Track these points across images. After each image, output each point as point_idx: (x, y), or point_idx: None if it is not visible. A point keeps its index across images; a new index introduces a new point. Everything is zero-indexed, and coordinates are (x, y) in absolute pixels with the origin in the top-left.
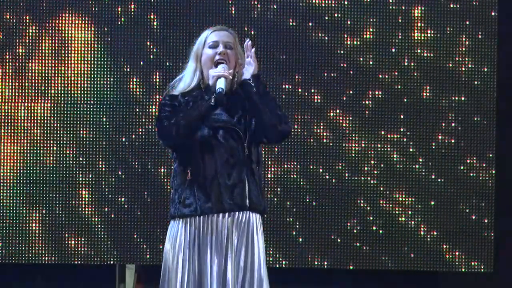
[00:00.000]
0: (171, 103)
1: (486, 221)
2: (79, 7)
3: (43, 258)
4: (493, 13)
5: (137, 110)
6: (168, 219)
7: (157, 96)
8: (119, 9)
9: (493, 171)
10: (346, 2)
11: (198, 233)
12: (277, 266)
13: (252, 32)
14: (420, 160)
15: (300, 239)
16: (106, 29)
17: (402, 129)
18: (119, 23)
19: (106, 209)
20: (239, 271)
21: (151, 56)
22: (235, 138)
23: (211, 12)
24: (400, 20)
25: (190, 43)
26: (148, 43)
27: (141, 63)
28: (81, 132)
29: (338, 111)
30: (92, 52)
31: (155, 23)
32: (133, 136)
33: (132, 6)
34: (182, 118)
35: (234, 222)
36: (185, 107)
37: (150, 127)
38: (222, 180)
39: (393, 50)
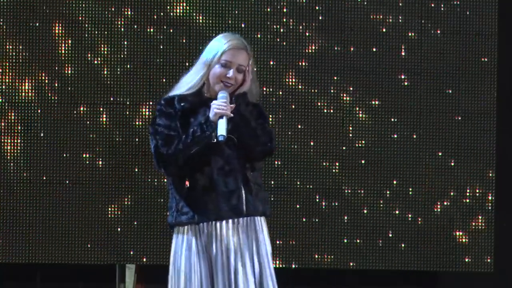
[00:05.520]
0: (166, 111)
1: (486, 221)
2: None
3: (43, 258)
4: (493, 13)
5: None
6: (166, 224)
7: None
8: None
9: (493, 171)
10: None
11: (201, 242)
12: (279, 266)
13: (259, 35)
14: (420, 160)
15: (301, 239)
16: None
17: (402, 129)
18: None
19: (106, 209)
20: (252, 269)
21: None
22: (230, 146)
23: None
24: (400, 20)
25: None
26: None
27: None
28: (81, 131)
29: (338, 111)
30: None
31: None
32: (136, 139)
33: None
34: (181, 151)
35: (235, 228)
36: (184, 137)
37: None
38: (219, 187)
39: (393, 50)
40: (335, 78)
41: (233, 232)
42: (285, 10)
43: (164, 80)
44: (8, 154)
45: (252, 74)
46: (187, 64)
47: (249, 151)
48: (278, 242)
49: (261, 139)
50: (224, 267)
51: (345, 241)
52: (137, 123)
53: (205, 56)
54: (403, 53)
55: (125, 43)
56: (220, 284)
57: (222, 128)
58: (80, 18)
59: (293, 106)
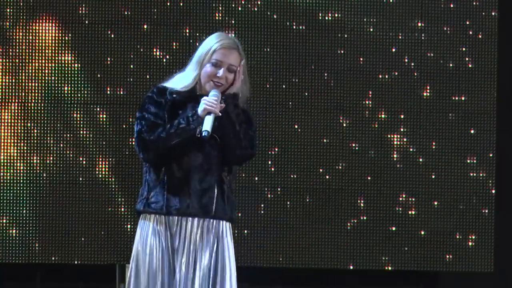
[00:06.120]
0: (157, 100)
1: (486, 221)
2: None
3: (43, 258)
4: (493, 13)
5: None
6: (135, 214)
7: None
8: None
9: (493, 171)
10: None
11: (166, 234)
12: (278, 266)
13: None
14: (420, 160)
15: (300, 239)
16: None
17: (402, 129)
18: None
19: (106, 209)
20: (209, 274)
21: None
22: (211, 144)
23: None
24: (400, 20)
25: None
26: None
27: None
28: (81, 131)
29: (337, 111)
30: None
31: (145, 26)
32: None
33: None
34: (163, 140)
35: (200, 227)
36: (168, 127)
37: None
38: (193, 184)
39: (393, 50)
40: (329, 76)
41: (198, 231)
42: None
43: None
44: (8, 154)
45: (243, 75)
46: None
47: (229, 153)
48: (278, 242)
49: (242, 143)
50: (184, 264)
51: (345, 241)
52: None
53: (198, 55)
54: (403, 53)
55: (125, 42)
56: (180, 280)
57: (207, 125)
58: (80, 19)
59: (291, 103)
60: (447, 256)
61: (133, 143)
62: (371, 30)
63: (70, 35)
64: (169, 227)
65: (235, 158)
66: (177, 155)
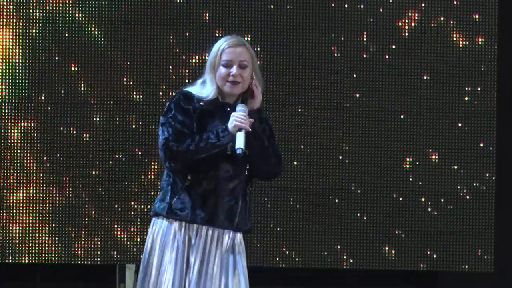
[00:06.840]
0: (184, 107)
1: (486, 221)
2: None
3: (43, 258)
4: (493, 13)
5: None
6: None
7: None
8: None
9: (493, 171)
10: (346, 6)
11: (184, 240)
12: (278, 266)
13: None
14: (421, 160)
15: (301, 239)
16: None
17: (402, 129)
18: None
19: (106, 209)
20: (226, 282)
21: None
22: (240, 158)
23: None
24: (399, 19)
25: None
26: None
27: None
28: (81, 131)
29: (336, 111)
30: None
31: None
32: (136, 137)
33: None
34: (192, 153)
35: (220, 239)
36: (198, 139)
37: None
38: (220, 195)
39: (393, 47)
40: (332, 75)
41: (218, 243)
42: (288, 7)
43: (174, 77)
44: (8, 155)
45: (260, 85)
46: (194, 59)
47: (255, 168)
48: (278, 242)
49: (271, 160)
50: (199, 274)
51: (345, 241)
52: (141, 123)
53: (209, 62)
54: (403, 54)
55: (124, 43)
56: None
57: (240, 141)
58: (82, 18)
59: (299, 109)
60: (447, 256)
61: (143, 143)
62: (370, 27)
63: (67, 35)
64: (188, 234)
65: (262, 174)
66: (207, 166)
